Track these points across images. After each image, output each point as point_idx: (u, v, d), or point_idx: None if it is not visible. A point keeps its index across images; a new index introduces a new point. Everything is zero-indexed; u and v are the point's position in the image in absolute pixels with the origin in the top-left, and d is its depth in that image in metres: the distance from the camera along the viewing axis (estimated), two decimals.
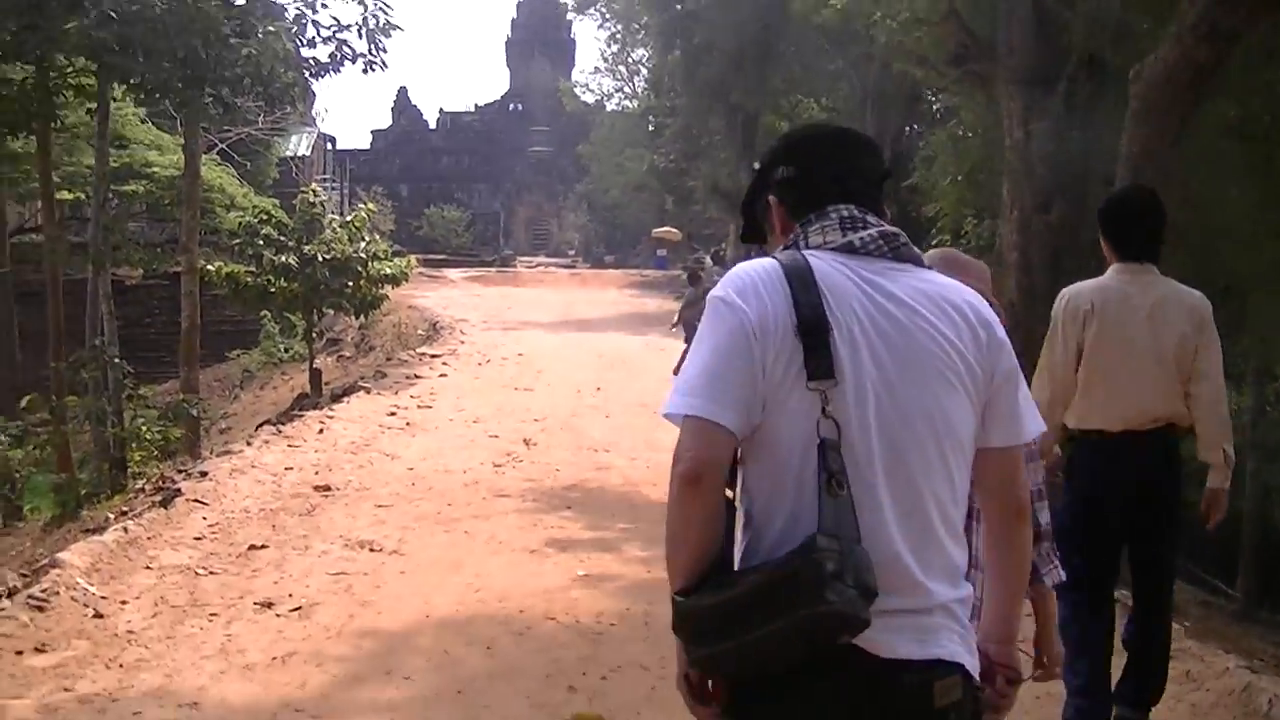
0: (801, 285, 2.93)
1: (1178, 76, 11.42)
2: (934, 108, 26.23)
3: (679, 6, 43.92)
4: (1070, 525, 6.47)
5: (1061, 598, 5.18)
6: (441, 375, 24.37)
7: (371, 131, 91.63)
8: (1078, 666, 6.54)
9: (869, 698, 2.86)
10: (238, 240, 28.14)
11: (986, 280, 4.29)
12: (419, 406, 20.11)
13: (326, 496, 13.13)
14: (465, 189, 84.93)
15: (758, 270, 3.00)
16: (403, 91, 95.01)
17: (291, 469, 14.47)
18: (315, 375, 29.01)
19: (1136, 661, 6.88)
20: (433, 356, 27.53)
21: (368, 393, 21.47)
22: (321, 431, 17.16)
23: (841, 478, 2.82)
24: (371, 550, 11.07)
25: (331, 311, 30.27)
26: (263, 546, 11.07)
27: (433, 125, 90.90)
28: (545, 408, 20.24)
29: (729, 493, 2.97)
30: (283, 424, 18.48)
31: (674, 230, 61.01)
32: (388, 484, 14.09)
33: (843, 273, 2.99)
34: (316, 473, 14.34)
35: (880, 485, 2.90)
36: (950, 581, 2.99)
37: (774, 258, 3.04)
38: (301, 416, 18.84)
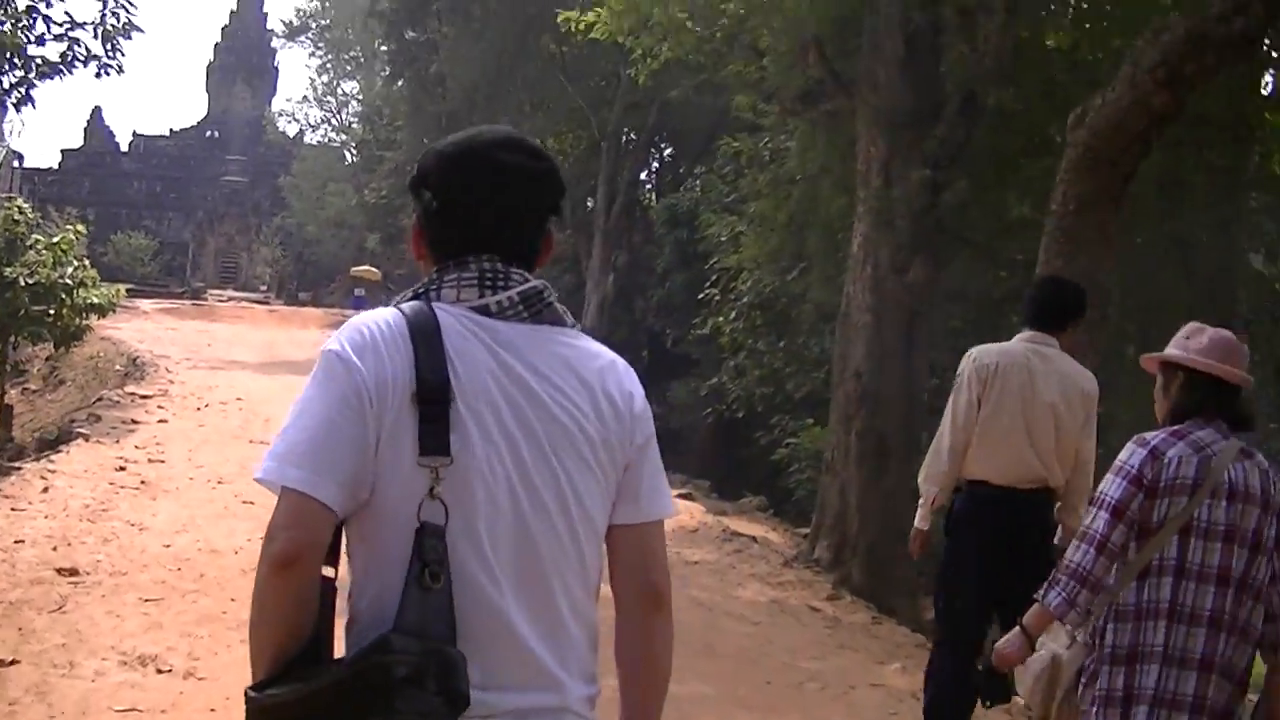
0: (425, 346, 2.60)
1: (1129, 124, 9.78)
2: (724, 148, 24.14)
3: (410, 34, 41.51)
4: (951, 574, 7.17)
5: (937, 646, 7.11)
6: (161, 421, 21.28)
7: (61, 151, 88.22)
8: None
9: None
10: None
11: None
12: (149, 460, 16.90)
13: (76, 584, 10.26)
14: (156, 216, 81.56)
15: (379, 324, 2.64)
16: (96, 111, 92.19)
17: (23, 542, 11.56)
18: (5, 411, 25.66)
19: None
20: (143, 398, 24.27)
21: (86, 440, 18.28)
22: (46, 490, 14.05)
23: (439, 568, 2.50)
24: (160, 671, 8.32)
25: (29, 342, 27.00)
26: (12, 662, 8.24)
27: (125, 148, 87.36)
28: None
29: (330, 571, 2.60)
30: None
31: (373, 269, 59.12)
32: (147, 567, 11.15)
33: (475, 335, 2.67)
34: (55, 548, 11.25)
35: (504, 575, 2.61)
36: (585, 677, 2.75)
37: (400, 310, 2.68)
38: (18, 470, 15.67)
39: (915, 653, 10.32)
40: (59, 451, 17.31)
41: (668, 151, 41.02)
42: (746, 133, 21.81)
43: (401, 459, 2.57)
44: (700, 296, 22.70)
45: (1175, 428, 4.80)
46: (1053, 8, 15.00)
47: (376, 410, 2.57)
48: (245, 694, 2.54)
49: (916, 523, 7.26)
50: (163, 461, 16.93)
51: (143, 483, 15.06)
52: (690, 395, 27.87)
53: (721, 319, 21.91)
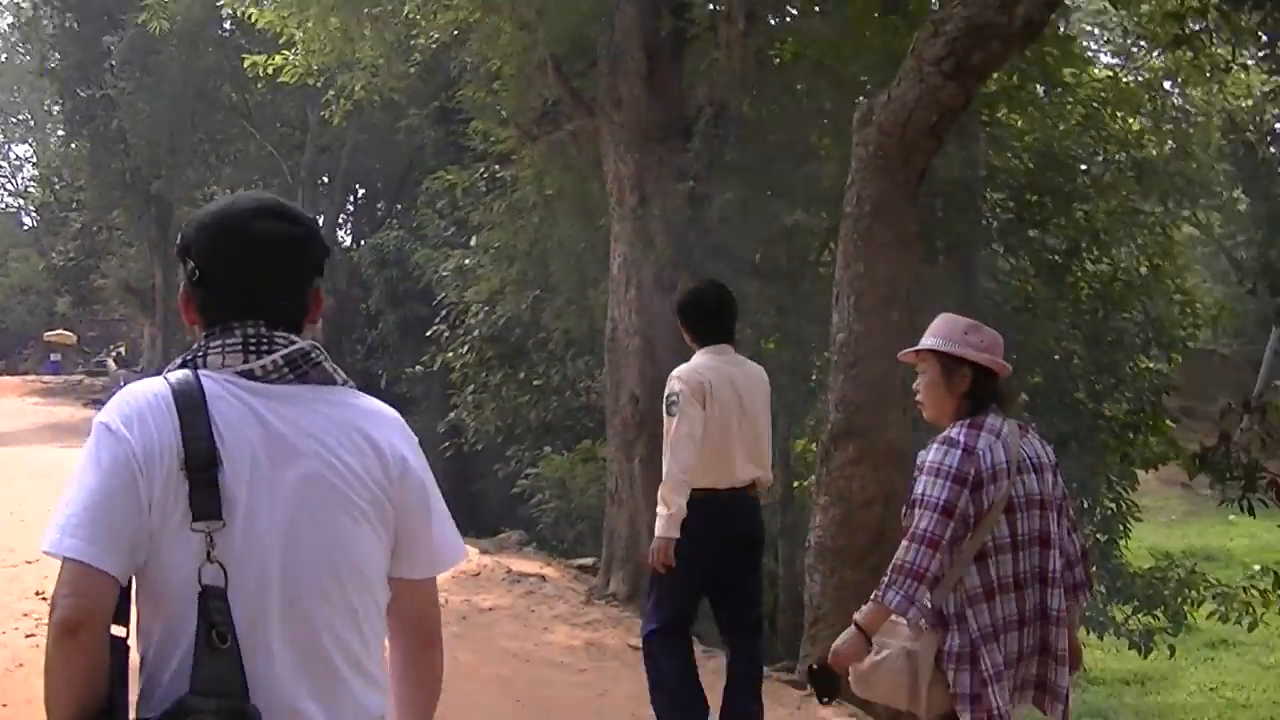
0: (191, 414, 2.63)
1: (919, 119, 9.22)
2: (424, 185, 23.07)
3: (85, 91, 39.23)
4: (679, 574, 7.16)
5: (656, 642, 7.38)
6: None
7: None
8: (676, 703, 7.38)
9: None
10: None
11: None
12: None
13: None
14: None
15: (146, 394, 2.67)
16: None
17: None
18: None
19: (748, 694, 7.46)
20: None
21: None
22: None
23: (225, 629, 2.53)
24: None
25: None
26: None
27: None
28: (24, 544, 15.78)
29: (121, 631, 2.60)
30: None
31: (67, 333, 56.88)
32: None
33: (240, 401, 2.68)
34: None
35: (275, 633, 2.62)
36: None
37: (165, 379, 2.70)
38: None
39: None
40: None
41: (361, 193, 39.72)
42: (457, 165, 20.91)
43: (174, 525, 2.58)
44: (429, 334, 21.51)
45: (970, 421, 5.02)
46: (795, 14, 14.42)
47: (146, 478, 2.57)
48: None
49: (664, 533, 7.15)
50: None
51: None
52: (416, 433, 26.03)
53: (451, 354, 20.81)
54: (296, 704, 2.64)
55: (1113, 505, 18.97)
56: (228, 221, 2.80)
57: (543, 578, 13.56)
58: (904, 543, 4.93)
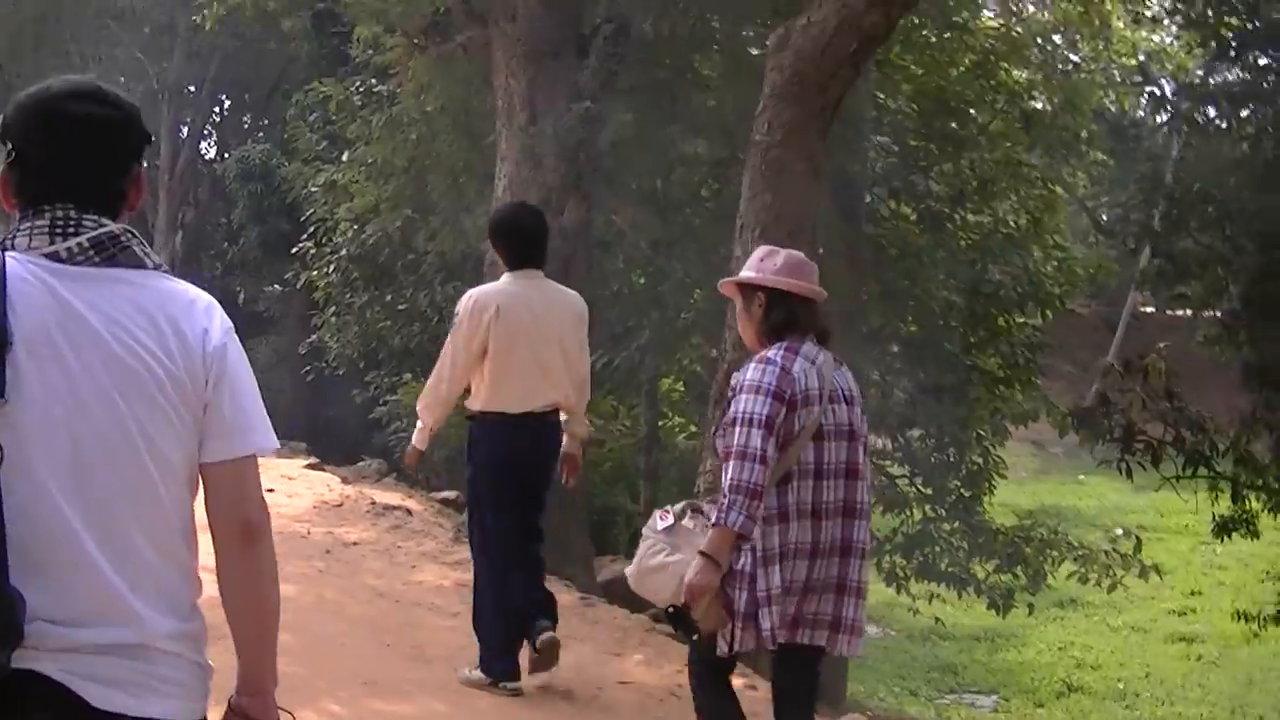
0: None
1: (838, 46, 8.71)
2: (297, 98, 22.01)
3: None
4: (482, 493, 7.40)
5: (477, 561, 7.56)
6: None
7: None
8: (501, 634, 7.33)
9: None
10: None
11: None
12: None
13: None
14: None
15: None
16: None
17: None
18: None
19: (532, 588, 7.41)
20: None
21: None
22: None
23: None
24: None
25: None
26: None
27: None
28: None
29: None
30: None
31: None
32: None
33: (41, 282, 2.65)
34: None
35: (73, 514, 2.58)
36: (175, 613, 2.70)
37: None
38: None
39: (647, 638, 8.92)
40: None
41: (228, 104, 38.25)
42: (332, 78, 19.92)
43: None
44: (294, 251, 20.52)
45: (787, 344, 5.05)
46: None
47: None
48: None
49: (415, 443, 7.54)
50: None
51: None
52: (272, 355, 25.77)
53: (316, 273, 19.85)
54: (102, 584, 2.60)
55: (979, 460, 18.58)
56: (44, 103, 2.77)
57: (408, 512, 12.83)
58: (733, 462, 4.89)
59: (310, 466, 15.82)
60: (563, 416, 7.53)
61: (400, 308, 19.03)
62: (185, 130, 34.73)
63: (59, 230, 2.71)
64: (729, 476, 4.90)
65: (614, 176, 12.57)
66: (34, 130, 2.74)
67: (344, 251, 19.26)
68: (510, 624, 7.35)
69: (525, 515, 7.43)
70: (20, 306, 2.60)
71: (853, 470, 5.11)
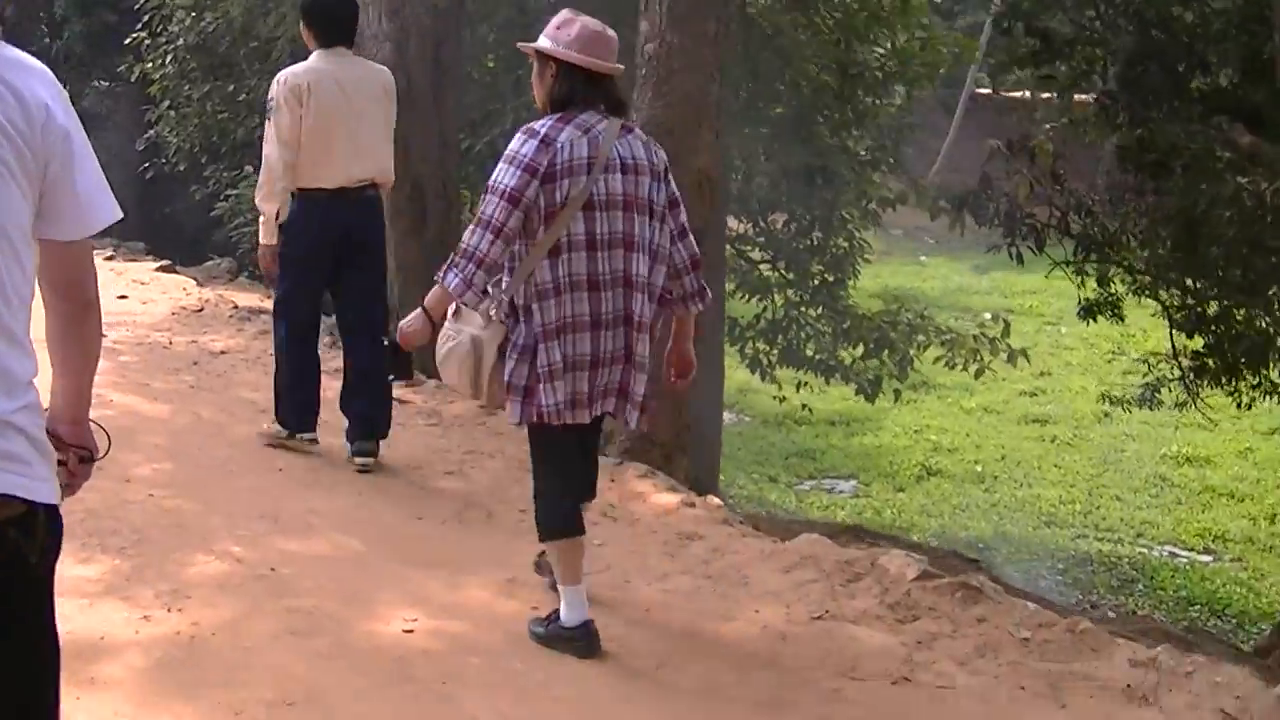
0: None
1: None
2: None
3: None
4: (288, 266, 7.39)
5: (276, 326, 7.70)
6: None
7: None
8: (299, 401, 7.62)
9: None
10: None
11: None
12: None
13: None
14: None
15: None
16: None
17: None
18: None
19: (366, 398, 7.51)
20: None
21: None
22: None
23: None
24: None
25: None
26: None
27: None
28: None
29: None
30: None
31: None
32: None
33: None
34: None
35: None
36: (7, 388, 2.60)
37: None
38: None
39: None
40: None
41: None
42: None
43: None
44: (127, 42, 18.97)
45: (560, 114, 4.93)
46: None
47: None
48: None
49: (264, 240, 7.39)
50: None
51: None
52: (105, 153, 23.75)
53: (150, 65, 18.42)
54: None
55: (844, 244, 18.09)
56: None
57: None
58: (470, 228, 4.92)
59: (162, 269, 14.61)
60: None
61: (241, 98, 17.79)
62: None
63: None
64: (463, 241, 4.92)
65: None
66: None
67: (180, 41, 17.93)
68: (308, 383, 7.64)
69: (358, 286, 7.53)
70: None
71: (629, 242, 4.97)
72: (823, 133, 16.54)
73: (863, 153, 17.65)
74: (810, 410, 19.72)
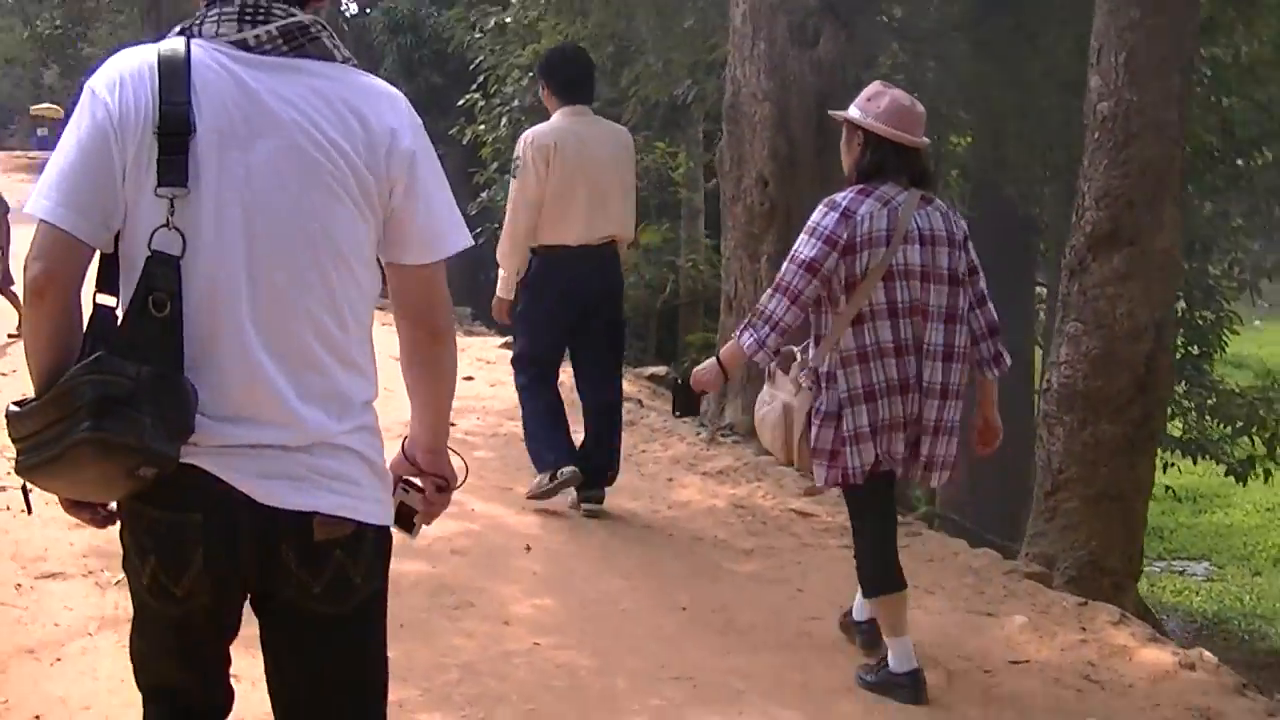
0: (170, 80, 2.50)
1: None
2: None
3: None
4: (530, 322, 7.39)
5: (518, 378, 7.60)
6: None
7: None
8: (553, 440, 7.37)
9: (243, 533, 2.53)
10: None
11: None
12: None
13: None
14: None
15: (133, 59, 2.55)
16: None
17: None
18: None
19: (601, 441, 7.44)
20: None
21: None
22: None
23: (164, 297, 2.45)
24: None
25: None
26: None
27: None
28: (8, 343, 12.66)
29: (110, 299, 2.54)
30: None
31: (55, 106, 53.40)
32: None
33: (226, 69, 2.54)
34: None
35: (243, 306, 2.53)
36: (338, 411, 2.61)
37: (157, 46, 2.57)
38: None
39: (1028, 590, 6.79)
40: None
41: None
42: None
43: (144, 190, 2.49)
44: (460, 103, 18.46)
45: (861, 186, 4.95)
46: None
47: (120, 142, 2.49)
48: (5, 409, 2.56)
49: (500, 294, 7.34)
50: None
51: None
52: None
53: (483, 127, 17.80)
54: (265, 378, 2.53)
55: (1211, 316, 16.65)
56: None
57: (639, 403, 10.63)
58: (768, 290, 4.99)
59: (507, 346, 13.57)
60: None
61: None
62: None
63: (248, 17, 2.58)
64: (760, 302, 5.03)
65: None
66: None
67: (516, 103, 17.32)
68: (558, 422, 7.45)
69: (597, 339, 7.46)
70: (204, 95, 2.52)
71: (924, 310, 4.94)
72: (1191, 196, 14.88)
73: (1239, 220, 16.42)
74: (1171, 491, 18.11)
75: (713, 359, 5.23)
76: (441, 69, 23.34)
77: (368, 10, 32.31)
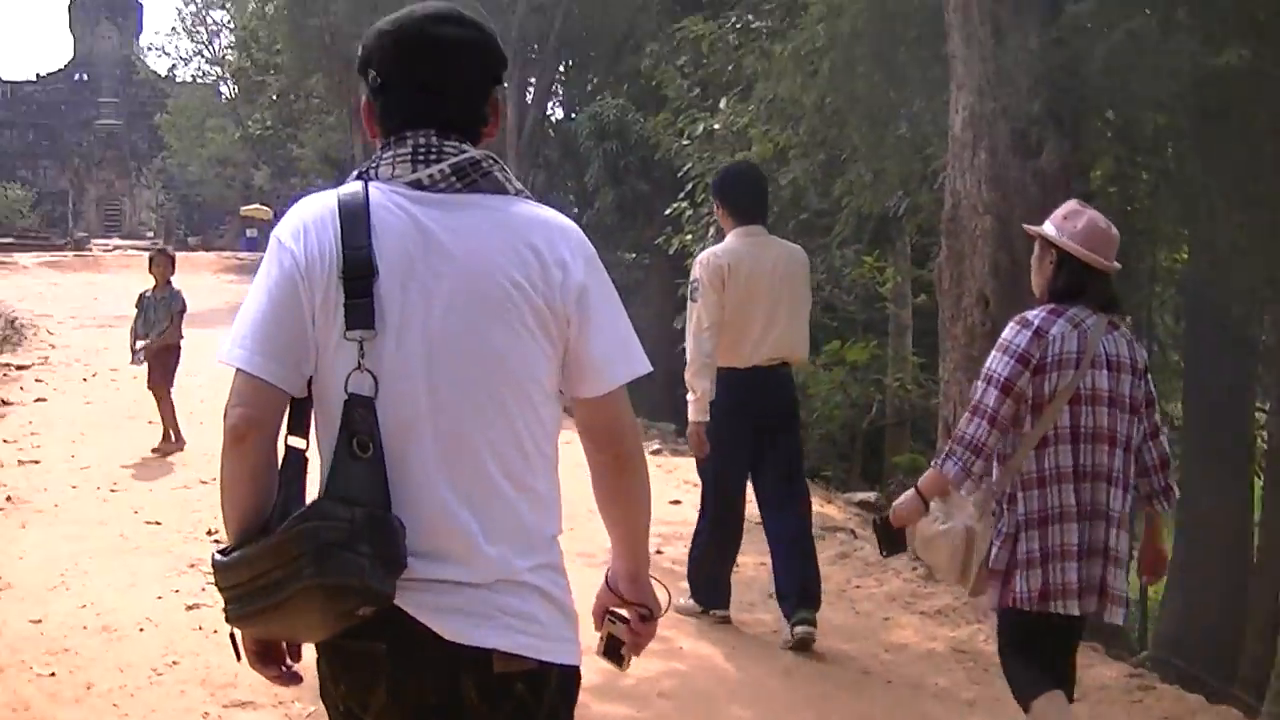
0: (352, 225, 2.64)
1: None
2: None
3: None
4: (716, 438, 7.18)
5: (704, 503, 7.65)
6: (39, 400, 16.43)
7: None
8: (717, 578, 7.57)
9: (427, 665, 2.59)
10: None
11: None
12: (20, 461, 12.28)
13: None
14: (30, 166, 75.42)
15: (315, 207, 2.70)
16: None
17: None
18: None
19: (794, 565, 7.28)
20: (19, 369, 19.24)
21: None
22: None
23: (367, 438, 2.55)
24: None
25: None
26: None
27: None
28: (206, 458, 12.64)
29: (301, 442, 2.66)
30: None
31: (264, 207, 55.32)
32: (6, 667, 6.53)
33: (403, 210, 2.66)
34: None
35: (427, 442, 2.60)
36: (524, 546, 2.66)
37: (337, 192, 2.73)
38: None
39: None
40: None
41: (570, 64, 36.48)
42: (700, 15, 17.74)
43: (333, 334, 2.59)
44: (669, 211, 18.26)
45: (1053, 306, 4.96)
46: None
47: (308, 290, 2.59)
48: (211, 558, 2.62)
49: (695, 418, 7.22)
50: (37, 462, 12.33)
51: (7, 499, 10.49)
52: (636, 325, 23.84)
53: (690, 237, 17.52)
54: (450, 514, 2.59)
55: None
56: (405, 28, 2.77)
57: (852, 533, 10.14)
58: (965, 415, 4.96)
59: None
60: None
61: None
62: (531, 90, 33.09)
63: (421, 158, 2.69)
64: (957, 428, 4.99)
65: (1118, 95, 9.63)
66: (396, 55, 2.74)
67: None
68: (727, 561, 7.58)
69: (778, 461, 7.42)
70: (383, 236, 2.62)
71: (1111, 437, 4.93)
72: None
73: None
74: None
75: (910, 491, 5.19)
76: (647, 175, 23.32)
77: (573, 115, 32.62)
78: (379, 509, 2.51)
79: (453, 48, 2.73)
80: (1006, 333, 4.99)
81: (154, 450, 12.94)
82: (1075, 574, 4.92)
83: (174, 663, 6.68)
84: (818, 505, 11.13)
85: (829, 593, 8.08)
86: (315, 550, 2.43)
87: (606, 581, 2.93)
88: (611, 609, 2.92)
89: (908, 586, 8.62)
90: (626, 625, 2.91)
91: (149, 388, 13.54)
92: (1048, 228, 5.06)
